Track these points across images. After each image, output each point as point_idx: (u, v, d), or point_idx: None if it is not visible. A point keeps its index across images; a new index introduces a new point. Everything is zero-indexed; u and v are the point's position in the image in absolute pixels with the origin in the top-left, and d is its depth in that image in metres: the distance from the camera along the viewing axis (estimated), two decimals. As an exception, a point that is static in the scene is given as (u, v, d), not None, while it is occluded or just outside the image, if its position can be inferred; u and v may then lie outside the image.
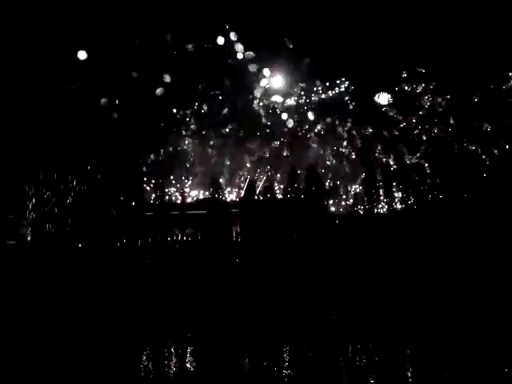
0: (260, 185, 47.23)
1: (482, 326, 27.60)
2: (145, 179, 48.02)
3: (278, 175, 47.99)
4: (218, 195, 45.73)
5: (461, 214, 39.94)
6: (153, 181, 47.99)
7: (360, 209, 43.63)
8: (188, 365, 23.08)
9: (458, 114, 48.34)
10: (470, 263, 35.61)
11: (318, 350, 25.26)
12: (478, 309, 30.41)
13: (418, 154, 46.90)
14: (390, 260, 37.62)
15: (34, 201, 45.42)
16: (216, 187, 46.21)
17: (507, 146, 44.84)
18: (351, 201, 44.69)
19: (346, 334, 27.97)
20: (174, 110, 53.68)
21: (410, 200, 42.53)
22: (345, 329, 29.00)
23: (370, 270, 37.12)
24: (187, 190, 48.57)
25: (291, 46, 52.29)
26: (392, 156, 46.90)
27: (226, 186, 48.11)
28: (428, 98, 50.41)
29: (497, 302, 31.22)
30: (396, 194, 43.64)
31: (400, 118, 50.24)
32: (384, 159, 45.83)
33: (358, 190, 45.44)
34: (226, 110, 55.36)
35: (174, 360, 24.13)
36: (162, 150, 51.73)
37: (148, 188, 48.05)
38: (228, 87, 55.74)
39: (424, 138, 47.92)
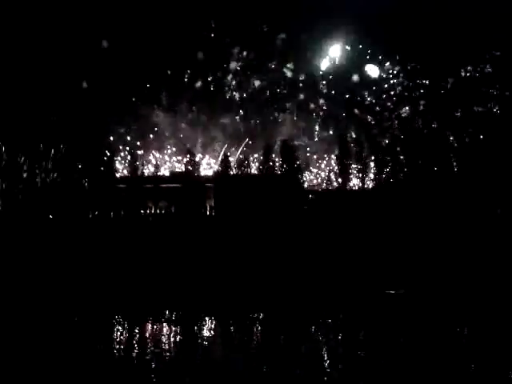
0: (235, 159, 47.34)
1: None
2: (118, 152, 47.46)
3: (254, 150, 48.18)
4: (193, 169, 45.56)
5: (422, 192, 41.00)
6: (127, 153, 47.44)
7: (333, 185, 44.32)
8: (164, 338, 22.85)
9: (429, 99, 49.40)
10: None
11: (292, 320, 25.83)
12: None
13: (389, 136, 47.86)
14: (360, 233, 38.61)
15: (3, 171, 44.37)
16: (190, 161, 46.01)
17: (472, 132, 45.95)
18: (325, 177, 45.25)
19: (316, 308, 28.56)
20: (148, 84, 53.18)
21: (381, 178, 43.41)
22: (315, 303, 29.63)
23: (341, 243, 38.08)
24: (162, 163, 48.33)
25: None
26: (364, 136, 47.70)
27: (201, 160, 48.08)
28: (400, 81, 51.41)
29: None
30: (368, 173, 44.48)
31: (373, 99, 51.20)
32: (356, 139, 46.46)
33: (332, 168, 46.10)
34: (199, 84, 55.19)
35: (152, 332, 23.92)
36: (135, 123, 51.31)
37: (122, 160, 47.54)
38: (201, 61, 55.55)
39: (395, 121, 48.94)
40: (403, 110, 48.46)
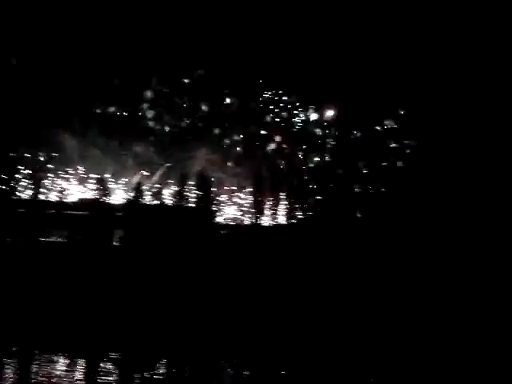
0: (148, 189, 45.97)
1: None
2: (20, 173, 44.37)
3: (168, 181, 47.12)
4: (103, 197, 43.52)
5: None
6: (29, 176, 44.44)
7: (246, 219, 44.18)
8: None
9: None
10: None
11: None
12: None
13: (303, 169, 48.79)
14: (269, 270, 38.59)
15: None
16: (100, 187, 43.99)
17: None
18: (239, 211, 45.07)
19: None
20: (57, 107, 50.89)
21: (294, 213, 43.98)
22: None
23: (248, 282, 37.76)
24: (68, 188, 45.77)
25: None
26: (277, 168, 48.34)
27: (112, 188, 46.09)
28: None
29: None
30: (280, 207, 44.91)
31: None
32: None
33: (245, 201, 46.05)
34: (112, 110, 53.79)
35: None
36: (41, 145, 48.53)
37: (24, 184, 44.44)
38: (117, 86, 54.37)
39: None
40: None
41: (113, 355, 24.81)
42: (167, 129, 54.29)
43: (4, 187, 43.68)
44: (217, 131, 53.91)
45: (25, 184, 45.63)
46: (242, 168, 48.81)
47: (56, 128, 48.49)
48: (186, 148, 50.21)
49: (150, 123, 54.58)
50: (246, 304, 34.94)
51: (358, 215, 42.57)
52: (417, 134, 47.87)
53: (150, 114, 55.34)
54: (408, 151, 47.82)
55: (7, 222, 41.75)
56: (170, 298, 36.02)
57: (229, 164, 49.52)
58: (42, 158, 47.57)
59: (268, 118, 53.52)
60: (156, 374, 22.18)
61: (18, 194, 44.66)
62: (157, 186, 46.69)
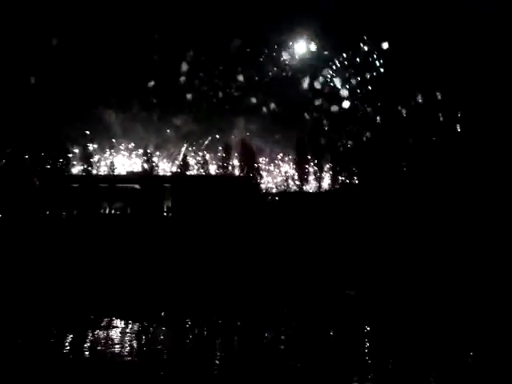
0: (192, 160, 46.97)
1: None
2: (72, 149, 45.94)
3: (211, 151, 48.01)
4: (151, 169, 44.78)
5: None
6: (81, 151, 45.97)
7: (291, 187, 44.79)
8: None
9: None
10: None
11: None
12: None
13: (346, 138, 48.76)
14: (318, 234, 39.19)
15: None
16: (148, 161, 45.23)
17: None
18: (284, 179, 45.65)
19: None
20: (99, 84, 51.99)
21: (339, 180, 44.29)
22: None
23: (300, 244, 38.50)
24: (118, 162, 47.21)
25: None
26: (322, 139, 48.40)
27: (159, 161, 47.33)
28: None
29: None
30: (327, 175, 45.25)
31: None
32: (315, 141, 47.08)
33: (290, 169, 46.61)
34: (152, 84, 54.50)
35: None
36: (87, 122, 49.92)
37: (75, 160, 46.04)
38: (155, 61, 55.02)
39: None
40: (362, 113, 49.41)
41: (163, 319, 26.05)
42: (207, 100, 54.88)
43: (54, 164, 45.29)
44: (256, 100, 54.21)
45: (74, 160, 47.29)
46: (283, 135, 49.12)
47: (98, 105, 49.86)
48: (228, 118, 50.74)
49: (189, 96, 55.31)
50: (291, 270, 35.80)
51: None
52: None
53: (188, 85, 56.06)
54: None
55: (61, 197, 43.46)
56: (221, 265, 37.12)
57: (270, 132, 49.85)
58: (86, 135, 49.08)
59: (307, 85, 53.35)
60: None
61: (69, 170, 46.20)
62: (200, 156, 47.75)
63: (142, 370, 17.63)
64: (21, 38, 47.93)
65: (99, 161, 47.81)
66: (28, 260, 36.46)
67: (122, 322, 24.63)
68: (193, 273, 35.94)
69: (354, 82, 52.48)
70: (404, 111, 47.30)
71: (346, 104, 50.16)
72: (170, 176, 45.57)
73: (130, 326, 24.24)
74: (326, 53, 54.48)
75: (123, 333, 22.89)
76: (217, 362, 18.62)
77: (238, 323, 24.84)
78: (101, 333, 23.18)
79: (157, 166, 46.38)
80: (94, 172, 45.80)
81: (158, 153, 48.39)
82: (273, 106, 54.27)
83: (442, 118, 45.28)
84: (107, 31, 53.19)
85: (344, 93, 51.01)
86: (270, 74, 56.47)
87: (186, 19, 55.52)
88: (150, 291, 32.01)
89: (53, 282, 33.03)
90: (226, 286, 32.87)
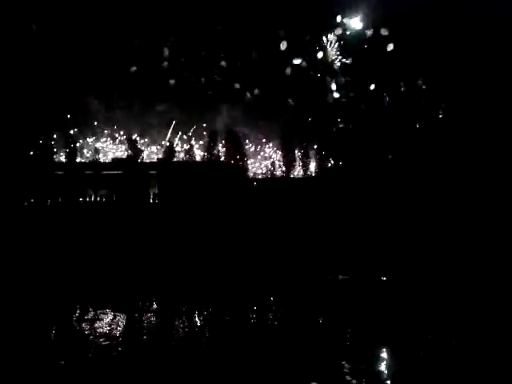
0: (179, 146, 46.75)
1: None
2: (55, 135, 45.32)
3: (198, 138, 47.80)
4: (136, 155, 44.48)
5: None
6: (65, 138, 45.38)
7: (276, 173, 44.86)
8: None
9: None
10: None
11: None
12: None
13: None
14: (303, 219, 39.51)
15: None
16: (133, 147, 44.89)
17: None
18: (269, 165, 45.70)
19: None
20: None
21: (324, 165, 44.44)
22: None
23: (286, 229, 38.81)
24: (101, 149, 46.73)
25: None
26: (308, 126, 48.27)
27: (144, 147, 47.00)
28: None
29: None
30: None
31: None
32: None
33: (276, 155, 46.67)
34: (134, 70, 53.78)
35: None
36: (70, 109, 49.16)
37: (59, 146, 45.46)
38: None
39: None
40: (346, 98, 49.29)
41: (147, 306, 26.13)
42: (190, 86, 54.32)
43: (38, 151, 44.66)
44: (239, 85, 53.77)
45: (58, 147, 46.65)
46: (268, 121, 48.96)
47: (81, 91, 49.07)
48: (212, 104, 50.37)
49: (172, 81, 54.65)
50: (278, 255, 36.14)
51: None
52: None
53: (171, 71, 55.40)
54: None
55: (45, 184, 43.01)
56: (206, 252, 37.26)
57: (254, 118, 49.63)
58: (70, 122, 48.40)
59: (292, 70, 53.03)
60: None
61: (52, 157, 45.59)
62: (186, 143, 47.52)
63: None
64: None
65: (83, 147, 47.28)
66: (11, 249, 36.30)
67: (109, 311, 24.62)
68: (180, 259, 36.20)
69: (337, 67, 52.42)
70: (387, 98, 47.53)
71: (331, 89, 50.11)
72: (155, 162, 45.31)
73: (113, 314, 24.26)
74: (308, 38, 54.25)
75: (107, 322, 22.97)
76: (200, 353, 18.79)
77: (226, 311, 25.04)
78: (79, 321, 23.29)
79: (142, 152, 45.99)
80: (79, 159, 45.27)
81: (143, 140, 47.95)
82: (256, 91, 54.00)
83: (425, 106, 45.59)
84: (87, 16, 52.24)
85: (329, 80, 50.88)
86: (253, 59, 55.98)
87: (168, 4, 54.78)
88: (137, 278, 32.14)
89: (37, 271, 32.97)
90: (214, 272, 33.13)
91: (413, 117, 44.21)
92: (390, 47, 48.81)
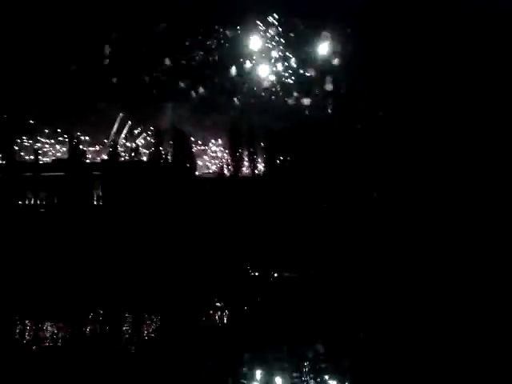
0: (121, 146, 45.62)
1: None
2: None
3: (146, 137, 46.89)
4: (78, 156, 43.01)
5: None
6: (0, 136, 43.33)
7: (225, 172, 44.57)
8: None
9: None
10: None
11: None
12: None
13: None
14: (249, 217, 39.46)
15: None
16: (75, 147, 43.40)
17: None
18: (217, 164, 45.41)
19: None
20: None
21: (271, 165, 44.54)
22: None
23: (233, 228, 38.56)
24: (43, 148, 44.97)
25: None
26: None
27: (87, 146, 45.57)
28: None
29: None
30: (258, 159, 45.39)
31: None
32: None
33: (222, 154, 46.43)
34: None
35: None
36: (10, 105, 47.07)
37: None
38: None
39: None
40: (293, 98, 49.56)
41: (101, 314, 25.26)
42: (136, 84, 53.20)
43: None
44: (188, 82, 53.17)
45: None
46: (215, 120, 48.70)
47: (21, 89, 47.09)
48: (158, 103, 49.60)
49: (117, 79, 53.36)
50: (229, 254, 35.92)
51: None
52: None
53: (117, 69, 54.07)
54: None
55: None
56: (153, 253, 36.50)
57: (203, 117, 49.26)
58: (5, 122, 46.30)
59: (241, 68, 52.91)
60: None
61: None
62: (130, 142, 46.48)
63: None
64: None
65: (21, 148, 45.34)
66: None
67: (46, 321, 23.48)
68: (125, 261, 35.20)
69: (284, 66, 52.71)
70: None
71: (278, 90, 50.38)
72: (99, 163, 43.99)
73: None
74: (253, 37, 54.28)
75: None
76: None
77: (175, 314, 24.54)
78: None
79: (85, 152, 44.58)
80: (17, 159, 43.37)
81: (86, 139, 46.51)
82: (202, 90, 53.53)
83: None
84: (25, 14, 50.27)
85: (273, 77, 51.15)
86: (198, 58, 55.43)
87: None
88: (78, 283, 30.95)
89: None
90: (161, 272, 32.43)
91: (352, 117, 44.97)
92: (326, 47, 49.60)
